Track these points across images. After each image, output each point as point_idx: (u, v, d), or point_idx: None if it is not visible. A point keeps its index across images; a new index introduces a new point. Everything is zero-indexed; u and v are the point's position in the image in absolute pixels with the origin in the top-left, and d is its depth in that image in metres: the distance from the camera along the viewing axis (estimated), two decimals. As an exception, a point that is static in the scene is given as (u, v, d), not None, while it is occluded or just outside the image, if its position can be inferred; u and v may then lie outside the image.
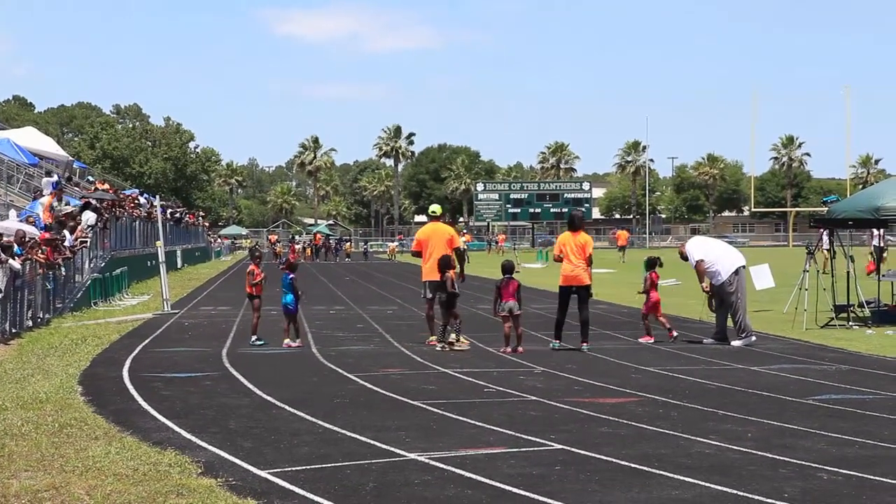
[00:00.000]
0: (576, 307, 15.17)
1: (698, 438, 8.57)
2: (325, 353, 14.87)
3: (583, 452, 7.99)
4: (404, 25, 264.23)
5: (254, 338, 15.88)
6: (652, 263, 16.76)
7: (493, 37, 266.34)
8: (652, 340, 16.24)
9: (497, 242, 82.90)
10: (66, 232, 23.68)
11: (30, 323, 18.60)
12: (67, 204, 28.89)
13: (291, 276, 15.88)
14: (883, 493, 6.79)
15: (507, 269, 15.16)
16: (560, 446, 8.22)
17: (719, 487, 6.86)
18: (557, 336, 15.33)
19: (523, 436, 8.66)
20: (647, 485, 6.96)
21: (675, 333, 16.25)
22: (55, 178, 34.94)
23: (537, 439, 8.51)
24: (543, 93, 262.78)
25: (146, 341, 16.69)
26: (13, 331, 17.13)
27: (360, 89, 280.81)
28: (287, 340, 15.57)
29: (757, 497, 6.61)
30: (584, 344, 15.14)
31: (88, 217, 28.42)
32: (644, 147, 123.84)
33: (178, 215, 54.38)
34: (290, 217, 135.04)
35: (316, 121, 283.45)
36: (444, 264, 15.30)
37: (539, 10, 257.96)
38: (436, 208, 16.96)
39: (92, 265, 27.05)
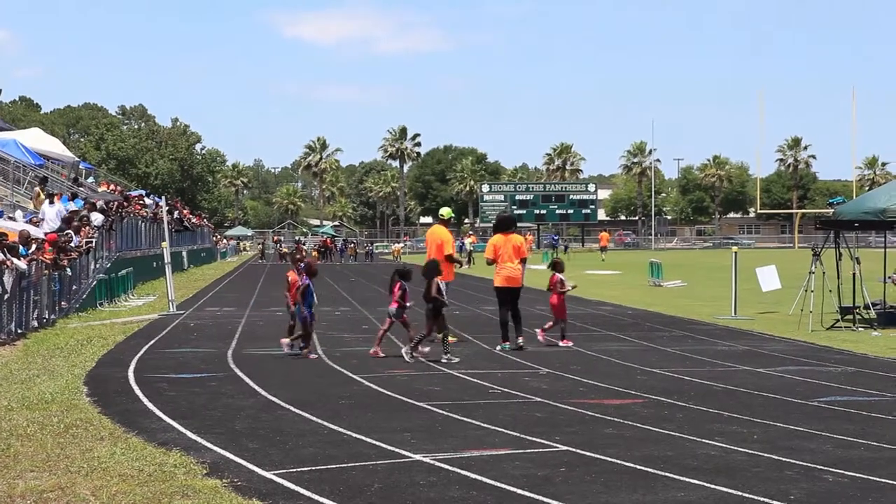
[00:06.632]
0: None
1: (703, 440, 8.56)
2: (331, 355, 14.88)
3: (588, 454, 7.98)
4: (410, 28, 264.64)
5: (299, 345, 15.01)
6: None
7: (499, 38, 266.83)
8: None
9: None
10: (70, 232, 23.68)
11: (35, 324, 18.62)
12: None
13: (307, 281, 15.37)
14: (889, 494, 6.78)
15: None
16: (565, 448, 8.22)
17: (724, 489, 6.85)
18: (506, 337, 15.55)
19: (528, 437, 8.66)
20: (652, 487, 6.95)
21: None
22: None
23: (542, 441, 8.50)
24: (549, 94, 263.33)
25: (152, 342, 16.70)
26: (19, 331, 17.16)
27: (365, 91, 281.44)
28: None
29: (762, 499, 6.60)
30: (521, 338, 15.48)
31: (95, 218, 28.47)
32: (650, 151, 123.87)
33: (183, 225, 51.57)
34: (295, 218, 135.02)
35: (321, 122, 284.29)
36: (430, 269, 14.64)
37: (545, 12, 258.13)
38: (443, 211, 17.43)
39: (97, 266, 27.08)
